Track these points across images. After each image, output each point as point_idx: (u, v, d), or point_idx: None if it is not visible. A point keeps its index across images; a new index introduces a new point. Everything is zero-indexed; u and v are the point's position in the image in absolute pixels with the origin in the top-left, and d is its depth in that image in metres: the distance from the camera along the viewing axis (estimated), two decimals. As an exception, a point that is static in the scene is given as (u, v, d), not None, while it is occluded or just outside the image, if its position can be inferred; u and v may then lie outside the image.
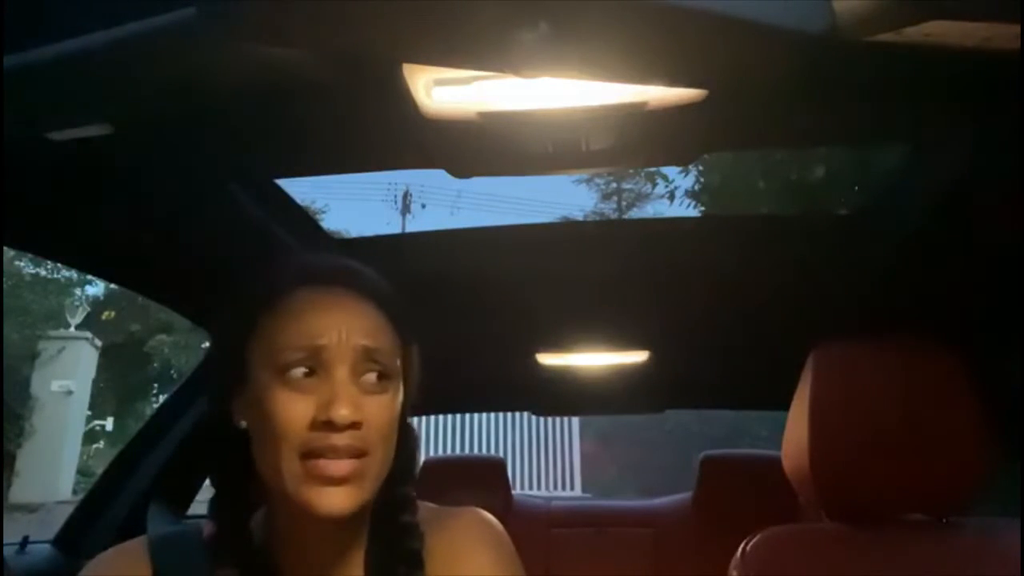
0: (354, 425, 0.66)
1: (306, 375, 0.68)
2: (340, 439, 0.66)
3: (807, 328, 1.27)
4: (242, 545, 0.71)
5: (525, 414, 8.84)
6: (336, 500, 0.66)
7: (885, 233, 1.29)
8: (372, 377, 0.69)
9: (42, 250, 1.40)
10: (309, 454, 0.66)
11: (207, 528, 0.75)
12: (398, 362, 0.72)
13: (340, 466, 0.66)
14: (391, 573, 0.73)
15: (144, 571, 0.71)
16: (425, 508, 0.79)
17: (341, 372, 0.68)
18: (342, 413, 0.66)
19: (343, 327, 0.69)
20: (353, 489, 0.67)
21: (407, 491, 0.77)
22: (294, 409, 0.67)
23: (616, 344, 1.94)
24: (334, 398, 0.66)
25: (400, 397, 0.72)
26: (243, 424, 0.71)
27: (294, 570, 0.72)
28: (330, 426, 0.66)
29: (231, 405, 0.72)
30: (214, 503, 0.75)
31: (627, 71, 0.70)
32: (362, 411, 0.67)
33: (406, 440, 0.77)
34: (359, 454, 0.67)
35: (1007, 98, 0.74)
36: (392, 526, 0.75)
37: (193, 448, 1.72)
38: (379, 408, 0.69)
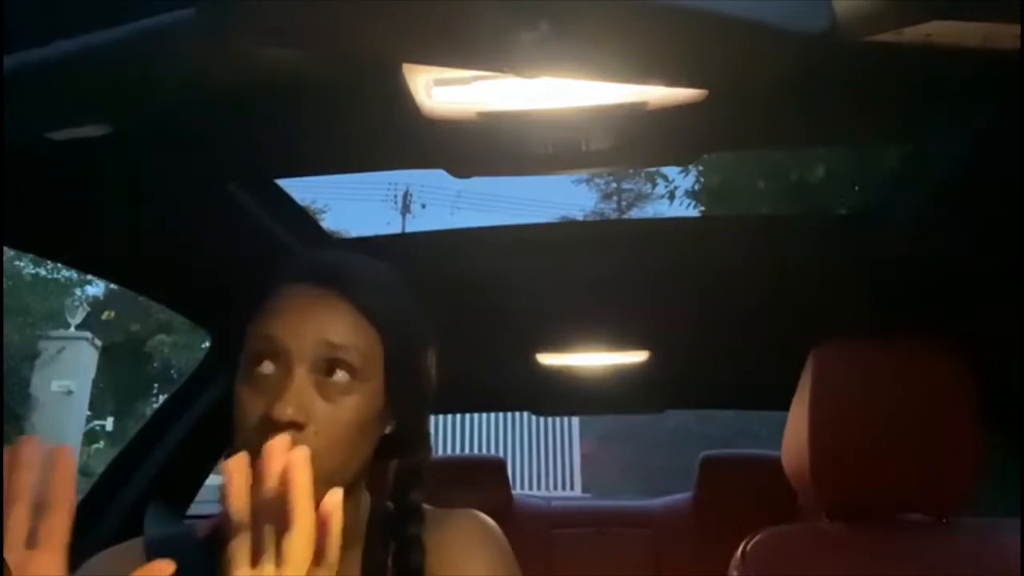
0: (294, 425, 0.64)
1: (270, 372, 0.67)
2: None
3: (807, 328, 1.27)
4: None
5: (525, 414, 8.84)
6: None
7: (885, 233, 1.29)
8: (337, 377, 0.67)
9: (42, 250, 1.40)
10: (254, 452, 0.64)
11: (203, 529, 0.75)
12: (376, 361, 0.70)
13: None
14: None
15: None
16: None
17: (299, 370, 0.66)
18: (285, 411, 0.64)
19: (308, 325, 0.68)
20: None
21: (416, 499, 0.75)
22: (250, 404, 0.66)
23: (616, 344, 1.93)
24: (279, 395, 0.65)
25: (377, 400, 0.70)
26: None
27: None
28: (270, 422, 0.64)
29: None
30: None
31: (627, 71, 0.70)
32: (310, 413, 0.65)
33: (416, 443, 0.76)
34: None
35: (1007, 98, 0.74)
36: (395, 536, 0.74)
37: (193, 448, 1.72)
38: (336, 412, 0.67)
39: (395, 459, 0.76)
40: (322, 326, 0.68)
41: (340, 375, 0.68)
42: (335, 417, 0.67)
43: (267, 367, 0.67)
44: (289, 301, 0.70)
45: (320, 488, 0.67)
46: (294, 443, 0.63)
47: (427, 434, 0.78)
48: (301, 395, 0.65)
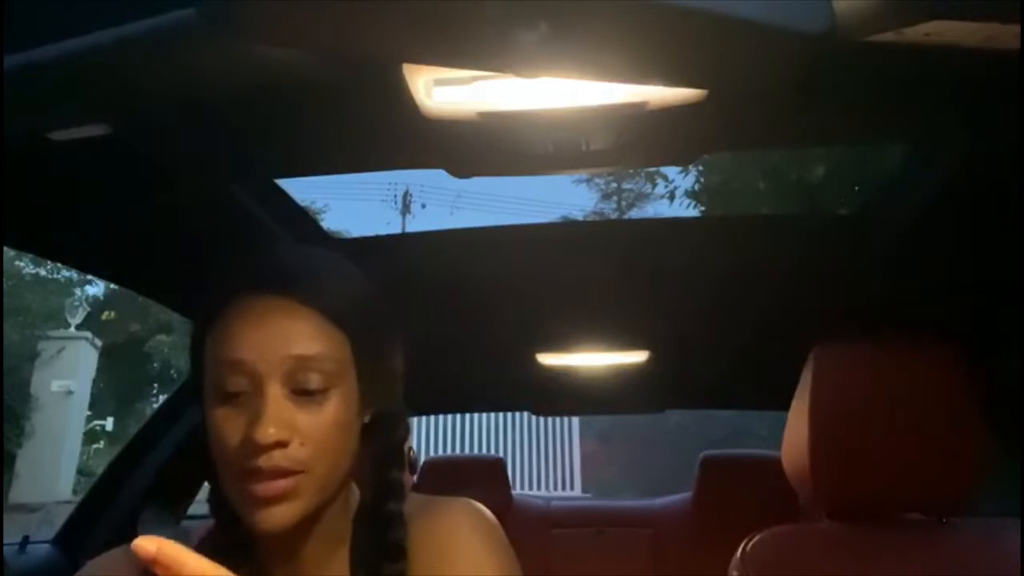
0: (280, 444, 0.64)
1: (240, 391, 0.66)
2: (265, 460, 0.64)
3: (807, 328, 1.27)
4: (229, 545, 0.71)
5: (525, 414, 8.84)
6: (275, 518, 0.65)
7: (885, 233, 1.29)
8: (311, 387, 0.67)
9: (42, 250, 1.41)
10: (241, 475, 0.65)
11: (197, 532, 0.75)
12: (348, 362, 0.69)
13: (270, 487, 0.65)
14: (374, 567, 0.72)
15: None
16: (416, 498, 0.78)
17: (272, 388, 0.66)
18: (267, 432, 0.64)
19: (274, 342, 0.66)
20: (291, 505, 0.65)
21: (397, 477, 0.75)
22: (227, 428, 0.66)
23: (616, 344, 1.93)
24: (259, 416, 0.64)
25: (353, 397, 0.70)
26: None
27: (280, 568, 0.72)
28: (254, 445, 0.64)
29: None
30: (210, 500, 0.75)
31: (627, 71, 0.70)
32: (294, 428, 0.65)
33: (392, 426, 0.76)
34: (287, 474, 0.65)
35: (1007, 98, 0.74)
36: (377, 515, 0.74)
37: (192, 449, 1.72)
38: (317, 421, 0.67)
39: (376, 441, 0.75)
40: (288, 341, 0.67)
41: (314, 384, 0.67)
42: (317, 424, 0.67)
43: (237, 386, 0.66)
44: (248, 317, 0.67)
45: (317, 497, 0.67)
46: (282, 460, 0.64)
47: (404, 413, 0.78)
48: (280, 412, 0.65)
